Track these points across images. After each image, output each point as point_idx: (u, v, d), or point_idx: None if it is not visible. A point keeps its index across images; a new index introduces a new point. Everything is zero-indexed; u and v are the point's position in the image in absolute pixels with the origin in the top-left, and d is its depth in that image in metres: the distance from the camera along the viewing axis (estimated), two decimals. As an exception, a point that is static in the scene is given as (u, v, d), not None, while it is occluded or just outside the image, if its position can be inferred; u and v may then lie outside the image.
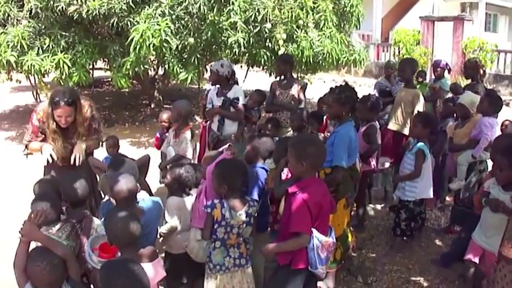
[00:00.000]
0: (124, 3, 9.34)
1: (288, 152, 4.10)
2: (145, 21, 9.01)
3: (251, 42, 9.91)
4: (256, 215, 4.40)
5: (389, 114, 7.76)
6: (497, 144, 4.99)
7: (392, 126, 7.50)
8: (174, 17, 9.34)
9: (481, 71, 8.01)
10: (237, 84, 7.13)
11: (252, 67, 13.00)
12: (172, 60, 9.80)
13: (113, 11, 9.31)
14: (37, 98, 12.81)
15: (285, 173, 4.78)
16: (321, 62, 10.72)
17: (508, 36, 31.07)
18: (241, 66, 13.95)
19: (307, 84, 7.79)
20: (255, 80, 14.04)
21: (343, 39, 10.96)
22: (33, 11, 9.86)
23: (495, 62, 22.01)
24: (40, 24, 10.11)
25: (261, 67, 11.63)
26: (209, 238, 4.24)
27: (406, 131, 7.30)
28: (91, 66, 11.68)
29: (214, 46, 10.41)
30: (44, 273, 3.22)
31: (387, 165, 6.96)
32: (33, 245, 3.55)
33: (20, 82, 12.72)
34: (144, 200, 4.50)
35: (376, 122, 6.88)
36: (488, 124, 6.26)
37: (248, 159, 5.00)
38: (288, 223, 3.93)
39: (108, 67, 12.12)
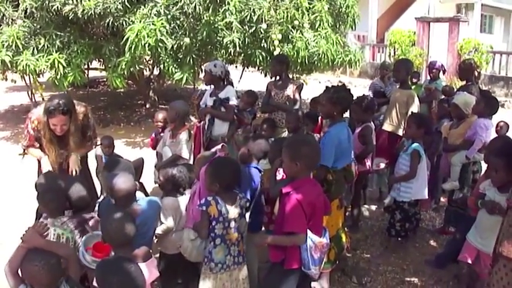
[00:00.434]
0: (119, 3, 9.32)
1: (283, 152, 4.10)
2: (140, 21, 9.00)
3: (246, 42, 9.91)
4: (247, 206, 4.43)
5: (384, 115, 7.76)
6: (492, 146, 5.00)
7: (387, 127, 7.51)
8: (169, 16, 9.34)
9: (476, 73, 8.01)
10: (232, 85, 7.12)
11: (248, 67, 13.00)
12: (167, 60, 9.79)
13: (108, 10, 9.29)
14: (32, 98, 12.76)
15: (281, 173, 4.78)
16: (316, 62, 10.72)
17: (503, 38, 31.13)
18: (236, 67, 13.95)
19: (302, 84, 7.80)
20: (250, 80, 14.05)
21: (338, 40, 10.96)
22: (28, 11, 9.83)
23: (490, 63, 22.04)
24: (35, 24, 10.09)
25: (257, 67, 11.62)
26: (207, 237, 4.23)
27: (401, 132, 7.31)
28: (86, 66, 11.64)
29: (209, 46, 10.41)
30: (41, 273, 3.21)
31: (383, 165, 6.96)
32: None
33: (15, 82, 12.72)
34: (142, 199, 4.51)
35: (372, 122, 6.89)
36: (483, 126, 6.28)
37: (242, 159, 5.00)
38: (282, 223, 3.93)
39: (103, 67, 12.12)
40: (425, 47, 23.22)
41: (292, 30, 10.32)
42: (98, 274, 3.16)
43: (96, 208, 4.74)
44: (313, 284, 5.09)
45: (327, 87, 5.44)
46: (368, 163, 6.69)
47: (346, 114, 5.69)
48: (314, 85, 18.00)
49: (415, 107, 7.29)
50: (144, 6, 9.44)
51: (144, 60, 11.14)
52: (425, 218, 7.35)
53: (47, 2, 9.50)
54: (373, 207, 7.80)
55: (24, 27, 9.91)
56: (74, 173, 5.19)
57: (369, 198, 7.86)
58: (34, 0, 9.66)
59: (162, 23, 8.89)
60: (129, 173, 4.48)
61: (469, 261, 4.95)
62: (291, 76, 10.23)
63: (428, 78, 9.57)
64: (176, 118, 6.29)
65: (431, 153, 7.08)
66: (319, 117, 7.21)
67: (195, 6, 9.22)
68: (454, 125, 6.76)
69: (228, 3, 9.43)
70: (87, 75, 12.02)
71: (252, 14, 9.52)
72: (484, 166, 5.45)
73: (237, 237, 4.31)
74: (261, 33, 9.90)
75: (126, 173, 4.45)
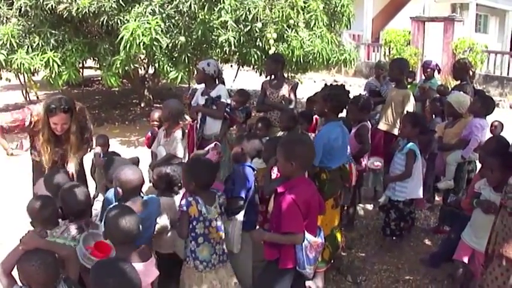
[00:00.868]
0: (114, 2, 9.29)
1: (277, 151, 4.09)
2: (135, 20, 8.97)
3: (242, 41, 9.89)
4: (240, 206, 4.53)
5: (380, 114, 7.75)
6: (488, 146, 5.02)
7: (382, 126, 7.52)
8: (164, 15, 9.32)
9: (470, 72, 8.02)
10: (224, 84, 7.11)
11: (243, 66, 12.99)
12: (162, 59, 9.77)
13: (103, 9, 9.25)
14: (27, 96, 12.75)
15: (275, 172, 4.79)
16: (311, 61, 10.70)
17: (498, 37, 31.19)
18: (231, 66, 13.95)
19: (297, 83, 7.78)
20: (245, 79, 14.04)
21: (333, 39, 10.96)
22: (23, 9, 9.79)
23: (485, 63, 22.09)
24: (30, 23, 10.04)
25: (252, 66, 11.61)
26: (187, 236, 4.28)
27: (396, 131, 7.31)
28: (81, 65, 11.62)
29: (204, 45, 10.39)
30: (38, 273, 3.20)
31: (380, 164, 6.97)
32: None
33: (9, 81, 12.68)
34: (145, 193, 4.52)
35: (368, 122, 6.89)
36: (479, 125, 6.29)
37: (236, 158, 5.00)
38: (278, 223, 3.93)
39: (98, 66, 12.08)
40: (420, 47, 23.26)
41: (287, 29, 10.31)
42: (93, 276, 3.14)
43: (96, 208, 4.74)
44: (308, 283, 5.09)
45: (325, 84, 5.45)
46: (364, 162, 6.69)
47: (342, 114, 5.66)
48: (309, 84, 17.99)
49: (410, 107, 7.30)
50: (139, 5, 9.41)
51: (139, 59, 11.13)
52: (420, 217, 7.36)
53: (41, 1, 9.44)
54: (368, 206, 7.81)
55: (18, 26, 9.86)
56: (73, 175, 5.22)
57: (363, 197, 7.85)
58: (28, -2, 9.64)
59: (157, 22, 8.87)
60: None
61: (464, 261, 4.97)
62: (286, 75, 10.23)
63: (423, 77, 9.58)
64: (170, 117, 6.28)
65: (426, 153, 7.09)
66: (314, 117, 7.21)
67: (190, 5, 9.20)
68: (449, 124, 6.77)
69: (223, 2, 9.42)
70: (82, 74, 11.99)
71: (247, 13, 9.50)
72: (479, 166, 5.46)
73: (221, 236, 4.37)
74: (256, 32, 9.89)
75: (133, 165, 4.49)
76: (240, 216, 4.75)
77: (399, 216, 6.17)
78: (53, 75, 9.80)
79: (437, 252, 6.03)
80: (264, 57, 10.18)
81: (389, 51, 24.12)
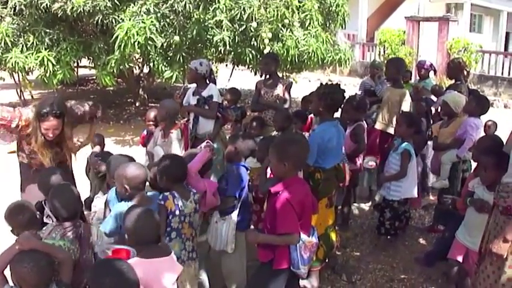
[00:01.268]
0: (109, 1, 9.28)
1: (270, 153, 4.06)
2: (130, 19, 8.98)
3: (236, 40, 9.91)
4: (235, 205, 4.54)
5: (376, 113, 7.76)
6: (481, 145, 5.03)
7: (378, 125, 7.52)
8: (159, 14, 9.32)
9: (465, 72, 8.03)
10: (215, 83, 7.11)
11: (238, 66, 12.99)
12: (157, 58, 9.78)
13: (98, 8, 9.25)
14: (21, 95, 12.73)
15: (270, 171, 4.78)
16: (306, 61, 10.73)
17: (492, 37, 31.24)
18: (226, 65, 13.95)
19: (292, 83, 7.79)
20: (240, 78, 14.04)
21: (328, 39, 10.98)
22: (17, 8, 9.78)
23: (479, 63, 22.15)
24: (24, 22, 10.03)
25: (246, 66, 11.62)
26: (164, 233, 4.25)
27: (392, 131, 7.32)
28: (75, 64, 11.61)
29: (199, 44, 10.40)
30: (30, 274, 3.17)
31: (373, 164, 6.98)
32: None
33: (3, 80, 12.63)
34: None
35: (364, 121, 6.90)
36: (473, 125, 6.31)
37: (229, 157, 5.00)
38: (273, 224, 3.91)
39: (93, 65, 12.07)
40: (414, 46, 23.32)
41: (282, 28, 10.33)
42: (90, 276, 3.13)
43: (95, 205, 4.72)
44: (303, 282, 5.11)
45: (320, 84, 5.46)
46: (359, 161, 6.70)
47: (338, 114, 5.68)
48: (304, 84, 18.00)
49: (407, 106, 7.31)
50: (134, 4, 9.42)
51: (134, 58, 11.11)
52: (415, 217, 7.37)
53: (36, 0, 9.45)
54: (363, 206, 7.81)
55: (13, 25, 9.86)
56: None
57: (358, 197, 7.86)
58: (23, -3, 9.63)
59: (151, 21, 8.88)
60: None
61: (458, 259, 4.98)
62: (280, 75, 10.24)
63: (418, 78, 9.60)
64: (167, 117, 6.27)
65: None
66: (308, 116, 7.22)
67: (185, 4, 9.21)
68: (444, 124, 6.79)
69: (218, 2, 9.43)
70: (77, 73, 11.99)
71: (242, 12, 9.51)
72: (474, 165, 5.47)
73: (191, 233, 4.37)
74: (251, 31, 9.90)
75: (136, 162, 4.51)
76: (234, 216, 4.75)
77: (394, 216, 6.18)
78: (47, 74, 9.79)
79: (431, 251, 6.03)
80: (258, 56, 10.19)
81: (384, 51, 24.17)
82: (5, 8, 10.04)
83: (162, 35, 9.36)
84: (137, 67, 13.71)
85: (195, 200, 4.37)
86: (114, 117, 13.77)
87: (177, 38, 9.50)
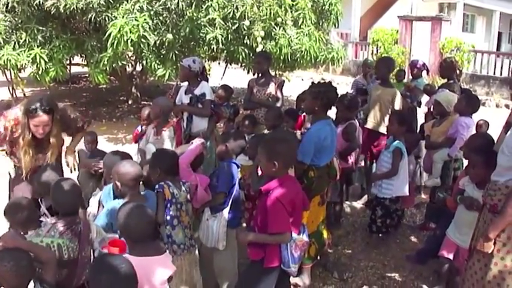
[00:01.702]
0: (102, -2, 9.29)
1: (259, 152, 4.06)
2: (123, 17, 8.95)
3: (229, 39, 9.89)
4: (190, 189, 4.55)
5: (366, 112, 7.77)
6: (471, 143, 5.05)
7: (370, 125, 7.53)
8: (152, 12, 9.30)
9: (457, 71, 8.06)
10: (207, 81, 7.10)
11: (230, 64, 13.00)
12: (150, 56, 9.76)
13: (91, 5, 9.23)
14: (13, 93, 12.69)
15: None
16: (299, 59, 10.72)
17: (485, 37, 31.38)
18: (219, 63, 13.95)
19: (284, 81, 7.78)
20: (233, 77, 14.04)
21: (321, 37, 10.97)
22: (10, 5, 9.76)
23: (472, 62, 22.23)
24: (16, 19, 9.99)
25: (239, 64, 11.61)
26: (164, 221, 4.30)
27: (383, 130, 7.34)
28: (68, 62, 11.59)
29: (192, 42, 10.39)
30: (9, 274, 3.12)
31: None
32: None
33: (-5, 77, 12.61)
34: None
35: (356, 120, 6.92)
36: (464, 124, 6.34)
37: (220, 155, 5.01)
38: (264, 223, 3.92)
39: (86, 63, 12.05)
40: (407, 46, 23.36)
41: (275, 27, 10.31)
42: (89, 273, 3.15)
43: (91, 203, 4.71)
44: (294, 279, 5.13)
45: (312, 82, 5.47)
46: (351, 160, 6.72)
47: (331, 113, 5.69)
48: (297, 82, 18.03)
49: (398, 105, 7.34)
50: (127, 2, 9.39)
51: (127, 56, 11.08)
52: (407, 215, 7.39)
53: (28, -3, 9.45)
54: (355, 204, 7.84)
55: (5, 22, 9.81)
56: (70, 165, 5.13)
57: (350, 195, 7.89)
58: (15, -6, 9.61)
59: (144, 19, 8.86)
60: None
61: (449, 257, 5.01)
62: (273, 73, 10.24)
63: (411, 77, 9.63)
64: (160, 115, 6.26)
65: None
66: (300, 114, 7.23)
67: (178, 2, 9.20)
68: (436, 123, 6.82)
69: (211, 0, 9.42)
70: (69, 70, 11.98)
71: (235, 10, 9.50)
72: (466, 163, 5.50)
73: (188, 220, 4.45)
74: (244, 30, 9.89)
75: (131, 160, 4.54)
76: (225, 213, 4.76)
77: (385, 214, 6.21)
78: (39, 72, 9.77)
79: (423, 249, 6.06)
80: (251, 55, 10.19)
81: (377, 50, 24.20)
82: (-3, 5, 10.02)
83: (155, 33, 9.35)
84: (130, 65, 13.66)
85: (186, 189, 4.45)
86: (107, 115, 13.76)
87: (170, 36, 9.49)
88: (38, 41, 9.84)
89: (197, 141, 4.91)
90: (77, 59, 13.03)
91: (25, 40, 9.76)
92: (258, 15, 9.81)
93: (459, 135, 6.31)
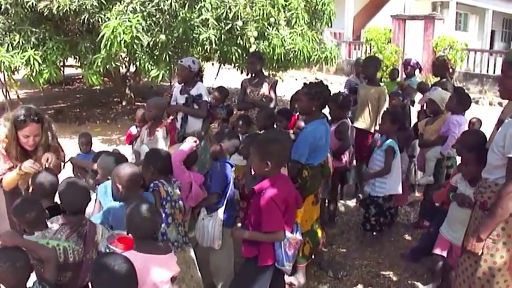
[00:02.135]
0: (95, 0, 9.27)
1: (251, 152, 4.08)
2: (116, 18, 8.95)
3: (222, 39, 9.91)
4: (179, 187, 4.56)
5: (354, 112, 7.78)
6: (464, 140, 5.07)
7: (359, 124, 7.55)
8: (145, 13, 9.29)
9: (450, 69, 8.10)
10: (202, 81, 7.12)
11: (224, 64, 13.00)
12: (143, 57, 9.76)
13: (84, 7, 9.24)
14: (7, 95, 12.65)
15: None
16: (292, 59, 10.75)
17: (478, 35, 31.49)
18: (212, 64, 13.95)
19: (277, 81, 7.79)
20: (226, 77, 14.04)
21: (314, 37, 11.00)
22: (3, 7, 9.75)
23: (465, 61, 22.31)
24: (10, 21, 9.99)
25: (233, 64, 11.62)
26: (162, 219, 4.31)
27: (373, 129, 7.39)
28: (62, 63, 11.57)
29: (185, 43, 10.40)
30: (5, 274, 3.12)
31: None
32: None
33: (-11, 79, 12.58)
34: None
35: (348, 119, 6.94)
36: (456, 122, 6.37)
37: (214, 155, 5.02)
38: (257, 222, 3.93)
39: (79, 64, 12.03)
40: (400, 45, 23.41)
41: (268, 27, 10.33)
42: (91, 270, 3.17)
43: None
44: (289, 278, 5.14)
45: (304, 83, 5.48)
46: (345, 159, 6.73)
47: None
48: (290, 82, 18.03)
49: (385, 103, 7.38)
50: (120, 3, 9.39)
51: (120, 57, 11.09)
52: (401, 213, 7.42)
53: (21, -2, 9.44)
54: (349, 203, 7.86)
55: (-2, 24, 9.83)
56: (49, 160, 4.55)
57: (345, 194, 7.91)
58: (8, -4, 9.60)
59: (138, 20, 8.86)
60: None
61: (443, 254, 5.04)
62: (266, 73, 10.26)
63: (404, 76, 9.67)
64: (156, 116, 6.28)
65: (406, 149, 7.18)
66: (294, 114, 7.24)
67: (171, 3, 9.21)
68: (429, 121, 6.86)
69: (204, 0, 9.43)
70: (63, 72, 11.96)
71: (228, 11, 9.52)
72: (459, 161, 5.52)
73: (181, 218, 4.46)
74: (237, 30, 9.91)
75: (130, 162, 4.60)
76: (220, 213, 4.78)
77: (379, 212, 6.23)
78: (33, 74, 9.77)
79: (417, 246, 6.09)
80: (244, 55, 10.20)
81: (371, 49, 24.22)
82: (-10, 7, 10.00)
83: (148, 34, 9.35)
84: (123, 66, 13.67)
85: (178, 187, 4.48)
86: (101, 117, 13.74)
87: (163, 36, 9.49)
88: (32, 43, 9.83)
89: (190, 140, 4.92)
90: (70, 61, 13.00)
91: (18, 42, 9.75)
92: (251, 16, 9.83)
93: (451, 133, 6.35)
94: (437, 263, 5.21)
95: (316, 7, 11.50)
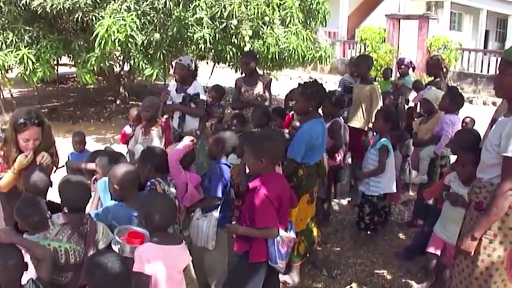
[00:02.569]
0: (89, -2, 9.26)
1: (245, 150, 4.12)
2: (110, 16, 8.92)
3: (217, 38, 9.89)
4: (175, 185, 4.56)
5: (349, 110, 7.79)
6: (460, 140, 5.06)
7: (354, 123, 7.56)
8: (139, 12, 9.28)
9: (444, 69, 8.12)
10: (196, 79, 7.12)
11: (218, 63, 12.99)
12: (137, 55, 9.73)
13: (78, 5, 9.21)
14: (0, 94, 12.61)
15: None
16: (286, 58, 10.73)
17: (472, 35, 31.53)
18: (207, 63, 13.94)
19: (271, 80, 7.80)
20: (220, 76, 14.03)
21: (309, 36, 10.99)
22: (-4, 5, 9.73)
23: (459, 60, 22.35)
24: (3, 19, 9.94)
25: (227, 63, 11.61)
26: None
27: (367, 128, 7.40)
28: (56, 62, 11.54)
29: (180, 42, 10.39)
30: None
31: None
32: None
33: (-18, 78, 12.52)
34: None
35: (341, 118, 6.95)
36: (449, 121, 6.39)
37: (211, 154, 5.01)
38: (252, 219, 3.95)
39: (73, 63, 12.00)
40: (395, 44, 23.43)
41: (263, 26, 10.31)
42: (85, 267, 3.20)
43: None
44: (283, 277, 5.14)
45: (299, 84, 5.48)
46: (339, 158, 6.74)
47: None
48: (285, 81, 18.02)
49: (379, 102, 7.39)
50: (114, 2, 9.36)
51: (114, 56, 11.06)
52: (395, 212, 7.44)
53: (15, -3, 9.41)
54: (343, 202, 7.86)
55: (-9, 22, 9.79)
56: (44, 158, 4.54)
57: (339, 193, 7.92)
58: (2, -6, 9.57)
59: (132, 19, 8.84)
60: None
61: (437, 253, 5.05)
62: (261, 72, 10.25)
63: (398, 75, 9.68)
64: (155, 115, 6.27)
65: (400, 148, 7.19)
66: (288, 113, 7.25)
67: (165, 2, 9.20)
68: (423, 121, 6.88)
69: (199, -1, 9.43)
70: (57, 71, 11.92)
71: (223, 10, 9.50)
72: (452, 160, 5.53)
73: (178, 217, 4.44)
74: (232, 29, 9.89)
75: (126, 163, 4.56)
76: (216, 213, 4.77)
77: (373, 211, 6.23)
78: (27, 72, 9.72)
79: (411, 245, 6.10)
80: (239, 54, 10.19)
81: (365, 49, 24.23)
82: (-17, 6, 9.96)
83: (143, 33, 9.33)
84: (118, 65, 13.63)
85: (174, 186, 4.49)
86: (95, 115, 13.71)
87: (157, 35, 9.48)
88: (25, 41, 9.80)
89: (187, 139, 4.91)
90: (64, 59, 12.97)
91: (12, 40, 9.72)
92: (245, 14, 9.81)
93: (444, 132, 6.36)
94: (431, 261, 5.23)
95: (311, 6, 11.47)
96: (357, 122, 7.54)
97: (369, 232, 6.46)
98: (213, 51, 10.79)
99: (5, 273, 3.14)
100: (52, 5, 9.09)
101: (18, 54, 9.55)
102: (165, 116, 6.99)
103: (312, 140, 5.08)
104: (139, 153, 6.00)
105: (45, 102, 14.76)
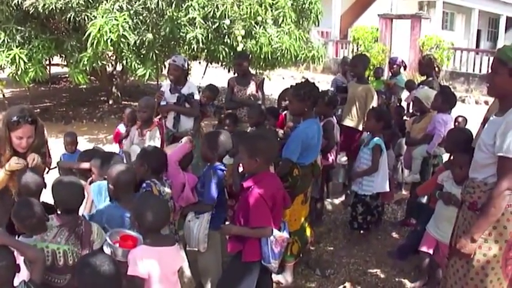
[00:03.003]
0: (81, -2, 9.24)
1: (240, 150, 4.13)
2: (102, 16, 8.91)
3: (210, 38, 9.88)
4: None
5: (343, 110, 7.80)
6: (457, 141, 5.02)
7: (348, 122, 7.57)
8: (132, 12, 9.27)
9: (436, 68, 8.14)
10: (188, 79, 7.12)
11: (211, 63, 12.99)
12: (130, 56, 9.72)
13: (70, 5, 9.20)
14: (-8, 94, 12.59)
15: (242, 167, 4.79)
16: (279, 58, 10.73)
17: (464, 35, 31.63)
18: (200, 63, 13.93)
19: (264, 79, 7.80)
20: (213, 76, 14.01)
21: (301, 36, 10.99)
22: (-13, 6, 9.69)
23: (451, 60, 22.41)
24: (-5, 19, 9.94)
25: (220, 63, 11.61)
26: None
27: (361, 127, 7.40)
28: (48, 62, 11.51)
29: (172, 42, 10.38)
30: None
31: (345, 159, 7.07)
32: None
33: (-27, 78, 12.48)
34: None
35: (334, 117, 6.95)
36: (441, 120, 6.40)
37: (205, 157, 4.97)
38: (246, 218, 3.96)
39: (65, 63, 11.98)
40: (387, 44, 23.48)
41: (256, 26, 10.32)
42: (76, 268, 3.17)
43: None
44: (277, 277, 5.14)
45: (291, 85, 5.49)
46: (331, 157, 6.74)
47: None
48: (278, 81, 18.03)
49: (373, 101, 7.39)
50: (107, 1, 9.35)
51: (107, 56, 11.04)
52: (388, 211, 7.44)
53: (6, -4, 9.38)
54: (336, 201, 7.87)
55: (-17, 22, 9.76)
56: (35, 160, 4.44)
57: (331, 192, 7.92)
58: (-7, -6, 9.54)
59: (124, 19, 8.83)
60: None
61: (429, 252, 5.06)
62: (254, 72, 10.24)
63: (390, 74, 9.70)
64: (151, 115, 6.25)
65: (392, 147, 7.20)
66: (281, 113, 7.25)
67: (157, 2, 9.20)
68: (416, 120, 6.90)
69: (191, -1, 9.42)
70: (49, 71, 11.89)
71: (215, 9, 9.50)
72: (445, 159, 5.53)
73: (172, 216, 4.44)
74: (224, 29, 9.89)
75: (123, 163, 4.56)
76: (208, 216, 4.73)
77: (366, 210, 6.24)
78: (19, 73, 9.70)
79: (404, 244, 6.11)
80: (232, 54, 10.18)
81: (358, 48, 24.27)
82: (-25, 5, 9.93)
83: (135, 33, 9.32)
84: (110, 65, 13.59)
85: (169, 186, 4.47)
86: (87, 116, 13.66)
87: (150, 35, 9.47)
88: (17, 41, 9.78)
89: (186, 140, 4.91)
90: (56, 59, 12.94)
91: (4, 40, 9.70)
92: (238, 14, 9.81)
93: (436, 131, 6.37)
94: (424, 260, 5.24)
95: (304, 6, 11.48)
96: (351, 121, 7.55)
97: (362, 231, 6.46)
98: (205, 51, 10.77)
99: None
100: (44, 4, 9.08)
101: (9, 54, 9.53)
102: (158, 117, 6.98)
103: (308, 140, 5.07)
104: (135, 154, 5.99)
105: (37, 102, 14.69)
